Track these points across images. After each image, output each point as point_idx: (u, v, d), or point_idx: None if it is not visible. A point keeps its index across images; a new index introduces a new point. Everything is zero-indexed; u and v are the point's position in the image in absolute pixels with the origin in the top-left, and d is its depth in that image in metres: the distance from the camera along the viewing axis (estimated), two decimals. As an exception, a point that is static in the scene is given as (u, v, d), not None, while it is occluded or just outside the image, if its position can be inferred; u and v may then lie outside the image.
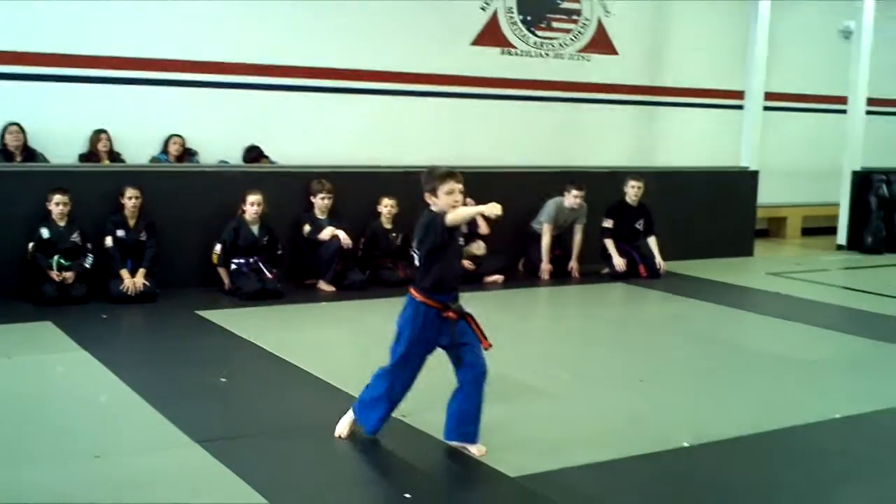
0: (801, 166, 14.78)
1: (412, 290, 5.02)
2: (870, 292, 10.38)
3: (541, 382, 6.40)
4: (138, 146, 10.39)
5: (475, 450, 4.95)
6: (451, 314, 4.93)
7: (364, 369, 6.68)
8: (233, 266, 8.91)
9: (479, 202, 10.71)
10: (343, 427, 5.14)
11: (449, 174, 4.89)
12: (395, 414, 5.56)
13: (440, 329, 4.94)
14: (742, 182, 12.72)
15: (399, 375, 5.04)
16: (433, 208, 4.91)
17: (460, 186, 4.86)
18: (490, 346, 4.99)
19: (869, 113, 13.60)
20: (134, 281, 8.46)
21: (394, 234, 9.78)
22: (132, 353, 7.09)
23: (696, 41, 13.86)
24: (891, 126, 15.38)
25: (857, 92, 13.40)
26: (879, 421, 5.83)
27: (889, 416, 5.92)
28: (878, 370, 7.16)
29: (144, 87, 10.45)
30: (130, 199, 8.62)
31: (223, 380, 6.22)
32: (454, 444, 5.00)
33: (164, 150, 10.49)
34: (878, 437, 5.52)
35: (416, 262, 5.12)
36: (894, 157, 14.62)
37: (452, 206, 4.83)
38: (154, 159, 10.40)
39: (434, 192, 4.89)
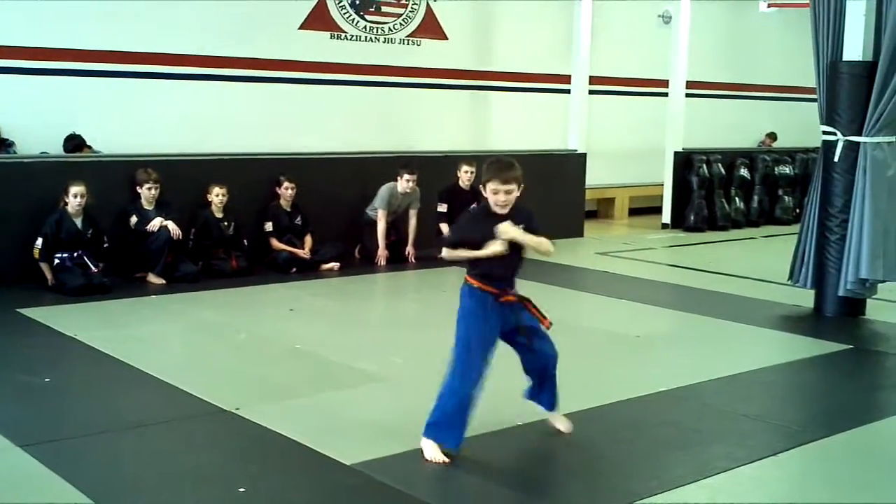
0: (627, 148, 15.25)
1: (466, 276, 4.91)
2: (693, 269, 10.82)
3: (375, 368, 6.40)
4: (-51, 137, 9.87)
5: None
6: (508, 297, 4.88)
7: (197, 363, 6.60)
8: (56, 261, 8.57)
9: (312, 189, 10.65)
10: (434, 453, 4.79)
11: (497, 172, 4.79)
12: (227, 407, 5.48)
13: (500, 314, 4.87)
14: (570, 164, 13.04)
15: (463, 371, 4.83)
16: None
17: (506, 187, 4.75)
18: (550, 324, 5.03)
19: (689, 96, 14.13)
20: (-52, 279, 8.04)
21: (225, 223, 9.59)
22: (-53, 355, 6.73)
23: (522, 26, 14.07)
24: (709, 108, 16.02)
25: (676, 75, 13.91)
26: (703, 392, 6.07)
27: (712, 387, 6.17)
28: (701, 344, 7.46)
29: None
30: (-58, 194, 8.17)
31: (47, 380, 5.96)
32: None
33: (-22, 141, 9.99)
34: (702, 408, 5.75)
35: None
36: (713, 138, 15.25)
37: (496, 205, 4.78)
38: (-33, 151, 9.88)
39: (484, 186, 4.84)
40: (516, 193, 4.82)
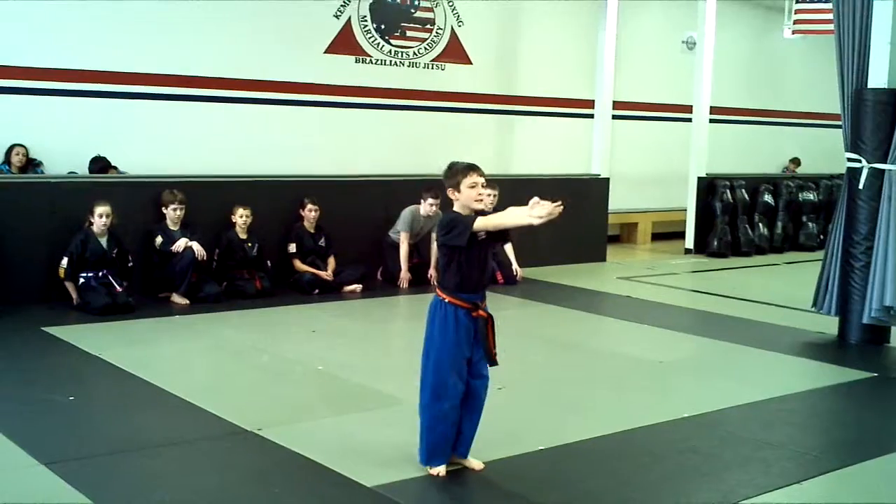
0: (650, 173, 15.25)
1: (438, 291, 4.84)
2: (715, 294, 10.78)
3: (396, 391, 6.39)
4: (-23, 157, 9.98)
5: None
6: (480, 313, 4.78)
7: (219, 383, 6.62)
8: (81, 280, 8.64)
9: (335, 211, 10.68)
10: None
11: (471, 167, 4.77)
12: (249, 427, 5.50)
13: (468, 332, 4.79)
14: (594, 189, 13.03)
15: (438, 391, 4.82)
16: (455, 206, 4.80)
17: (483, 180, 4.76)
18: (496, 363, 4.89)
19: (712, 121, 14.12)
20: (-26, 297, 8.11)
21: (249, 244, 9.65)
22: (-27, 373, 6.78)
23: (546, 51, 14.13)
24: (733, 133, 16.01)
25: (700, 101, 13.90)
26: (726, 419, 6.04)
27: (734, 414, 6.14)
28: (724, 370, 7.42)
29: (-17, 96, 10.04)
30: (-30, 213, 8.26)
31: (71, 398, 6.00)
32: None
33: (6, 161, 10.09)
34: (725, 435, 5.72)
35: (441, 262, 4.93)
36: (737, 164, 15.23)
37: (476, 200, 4.75)
38: (-5, 170, 9.99)
39: (457, 187, 4.76)
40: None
